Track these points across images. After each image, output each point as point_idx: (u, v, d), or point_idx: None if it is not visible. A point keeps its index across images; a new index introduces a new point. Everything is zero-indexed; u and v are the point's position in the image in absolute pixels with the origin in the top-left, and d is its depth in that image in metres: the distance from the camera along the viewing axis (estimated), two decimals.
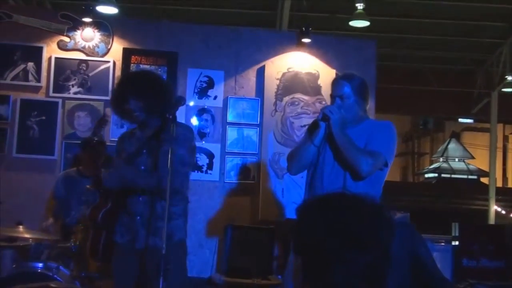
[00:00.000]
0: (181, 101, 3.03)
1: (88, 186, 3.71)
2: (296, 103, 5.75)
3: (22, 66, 5.50)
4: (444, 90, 11.22)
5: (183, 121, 5.05)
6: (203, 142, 5.57)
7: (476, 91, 10.68)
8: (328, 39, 6.18)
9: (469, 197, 15.26)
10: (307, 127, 3.35)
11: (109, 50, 5.61)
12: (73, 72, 5.54)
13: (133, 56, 5.62)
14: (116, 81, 5.10)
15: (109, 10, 5.55)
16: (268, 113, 5.69)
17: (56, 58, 5.53)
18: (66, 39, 5.58)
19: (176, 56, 5.66)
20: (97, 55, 5.60)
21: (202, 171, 5.55)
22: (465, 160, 19.48)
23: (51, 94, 5.51)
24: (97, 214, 3.27)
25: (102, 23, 5.62)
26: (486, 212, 10.29)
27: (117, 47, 5.62)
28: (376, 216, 1.39)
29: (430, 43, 9.55)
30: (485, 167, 16.08)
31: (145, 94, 3.09)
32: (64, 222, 4.56)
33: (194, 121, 5.60)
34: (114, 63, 5.60)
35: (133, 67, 5.59)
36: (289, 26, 7.35)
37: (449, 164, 19.40)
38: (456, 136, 20.29)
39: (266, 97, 5.70)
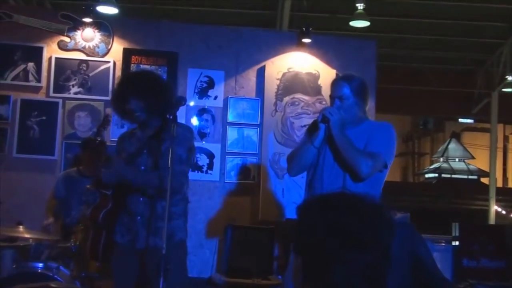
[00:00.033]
0: (182, 101, 3.03)
1: (88, 186, 3.70)
2: (296, 103, 5.74)
3: (23, 66, 5.50)
4: (444, 90, 11.19)
5: (183, 121, 5.06)
6: (204, 142, 5.57)
7: (476, 91, 10.67)
8: (328, 39, 6.16)
9: (469, 197, 15.24)
10: (306, 128, 3.35)
11: (109, 50, 5.61)
12: (73, 72, 5.54)
13: (133, 56, 5.62)
14: (116, 81, 5.11)
15: (109, 10, 5.55)
16: (268, 113, 5.69)
17: (56, 58, 5.53)
18: (67, 39, 5.58)
19: (176, 56, 5.66)
20: (97, 55, 5.60)
21: (202, 171, 5.55)
22: (465, 160, 19.47)
23: (51, 94, 5.51)
24: (98, 214, 3.27)
25: (102, 23, 5.62)
26: (486, 212, 10.28)
27: (117, 47, 5.62)
28: (376, 216, 1.39)
29: (430, 43, 9.53)
30: (485, 167, 16.09)
31: (145, 94, 3.09)
32: (64, 222, 4.56)
33: (195, 121, 5.60)
34: (115, 63, 5.60)
35: (133, 67, 5.59)
36: (289, 26, 7.35)
37: (449, 164, 19.38)
38: (456, 136, 20.26)
39: (266, 97, 5.70)
